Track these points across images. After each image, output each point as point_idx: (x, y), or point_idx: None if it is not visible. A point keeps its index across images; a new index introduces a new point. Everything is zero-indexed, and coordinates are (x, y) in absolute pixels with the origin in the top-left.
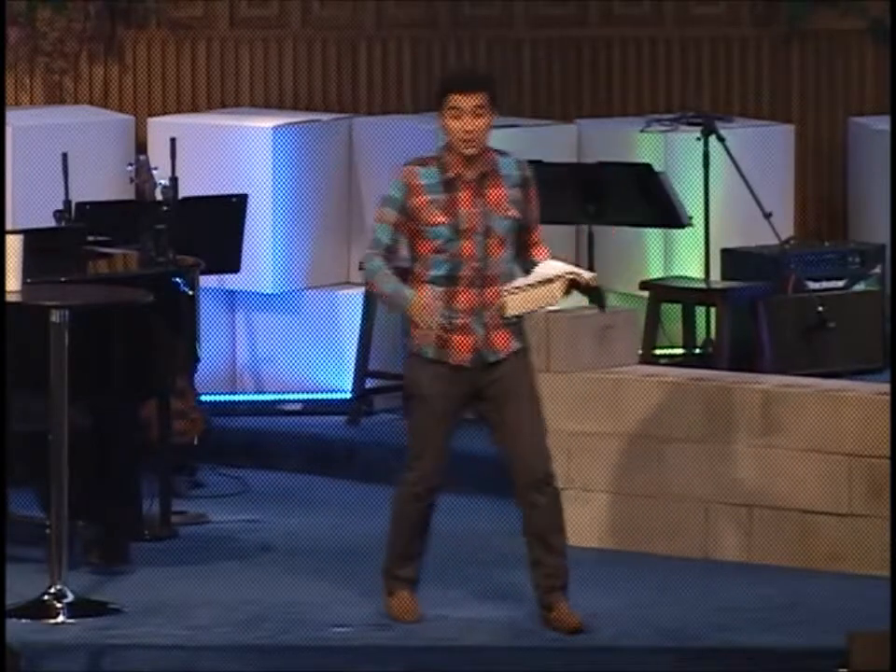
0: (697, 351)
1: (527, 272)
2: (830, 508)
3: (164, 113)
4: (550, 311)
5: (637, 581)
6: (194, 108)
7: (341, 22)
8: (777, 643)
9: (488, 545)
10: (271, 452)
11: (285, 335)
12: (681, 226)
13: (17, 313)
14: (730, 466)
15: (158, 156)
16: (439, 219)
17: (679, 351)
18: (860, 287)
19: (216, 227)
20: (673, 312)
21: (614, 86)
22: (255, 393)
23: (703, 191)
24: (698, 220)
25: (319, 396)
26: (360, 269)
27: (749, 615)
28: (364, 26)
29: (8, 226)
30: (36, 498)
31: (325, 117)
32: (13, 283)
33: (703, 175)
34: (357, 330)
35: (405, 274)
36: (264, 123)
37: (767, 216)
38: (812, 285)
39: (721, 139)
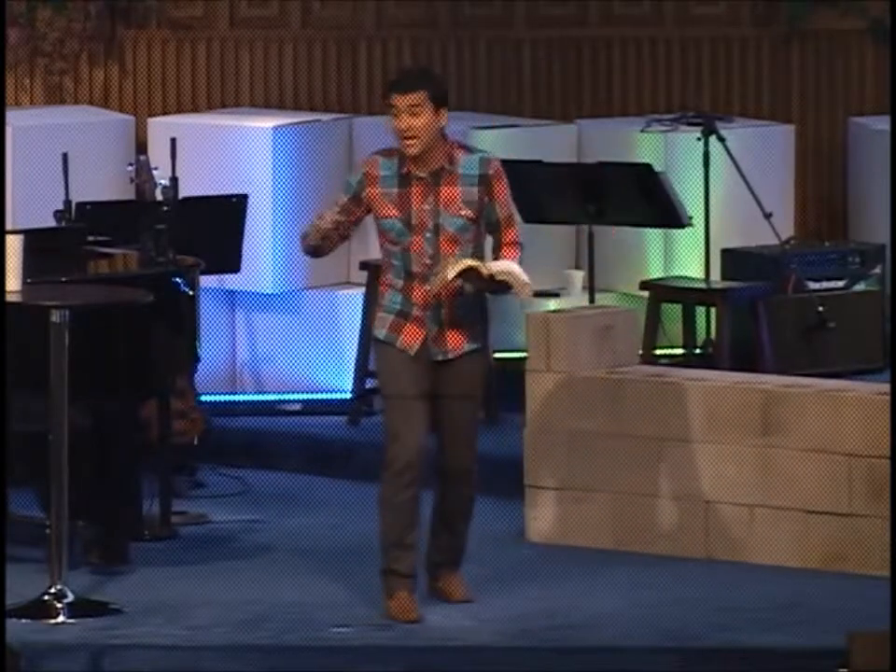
0: (697, 351)
1: None
2: (830, 508)
3: (164, 113)
4: (550, 311)
5: (637, 581)
6: (194, 108)
7: (341, 22)
8: (777, 643)
9: (488, 545)
10: (271, 452)
11: (285, 335)
12: (681, 226)
13: (17, 313)
14: (730, 466)
15: (158, 156)
16: (391, 212)
17: (680, 351)
18: (860, 286)
19: (216, 227)
20: (673, 312)
21: (614, 86)
22: (255, 393)
23: (703, 191)
24: (698, 220)
25: (319, 396)
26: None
27: (749, 615)
28: (364, 26)
29: (8, 226)
30: (36, 498)
31: (325, 117)
32: (13, 283)
33: (703, 174)
34: (357, 330)
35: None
36: (264, 123)
37: (767, 216)
38: (812, 285)
39: (721, 139)
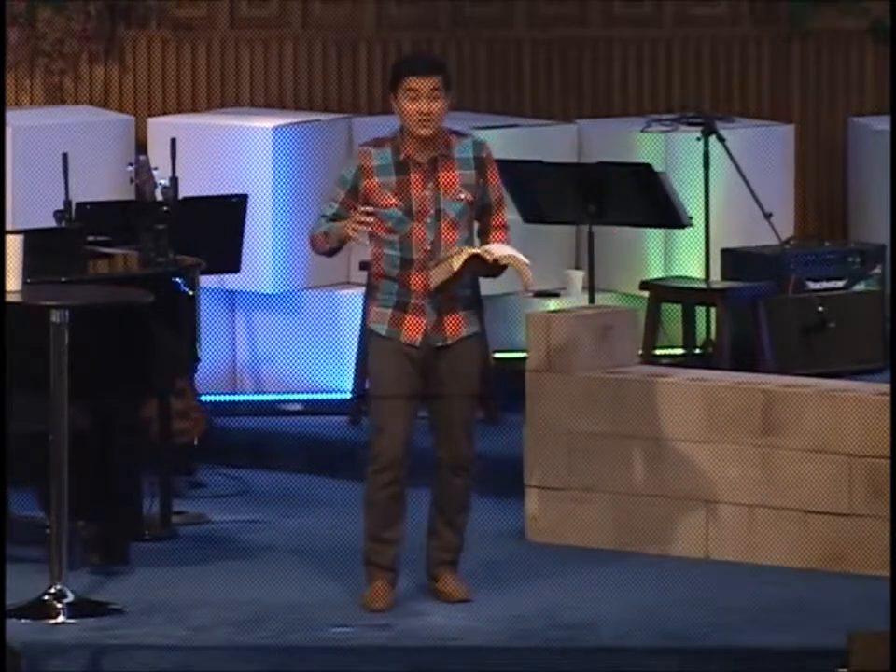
0: (697, 351)
1: None
2: (830, 508)
3: (164, 113)
4: (550, 311)
5: (637, 581)
6: (194, 108)
7: (341, 23)
8: (776, 643)
9: (487, 545)
10: (271, 452)
11: (285, 335)
12: (681, 226)
13: (17, 313)
14: (730, 466)
15: (158, 156)
16: (390, 202)
17: (680, 351)
18: (860, 287)
19: (216, 227)
20: (673, 312)
21: (614, 86)
22: (255, 393)
23: (703, 191)
24: (698, 220)
25: (319, 396)
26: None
27: (749, 615)
28: (364, 26)
29: (8, 226)
30: (36, 498)
31: (325, 117)
32: (13, 283)
33: (703, 175)
34: (357, 330)
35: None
36: (264, 123)
37: (767, 216)
38: (812, 285)
39: (721, 139)
